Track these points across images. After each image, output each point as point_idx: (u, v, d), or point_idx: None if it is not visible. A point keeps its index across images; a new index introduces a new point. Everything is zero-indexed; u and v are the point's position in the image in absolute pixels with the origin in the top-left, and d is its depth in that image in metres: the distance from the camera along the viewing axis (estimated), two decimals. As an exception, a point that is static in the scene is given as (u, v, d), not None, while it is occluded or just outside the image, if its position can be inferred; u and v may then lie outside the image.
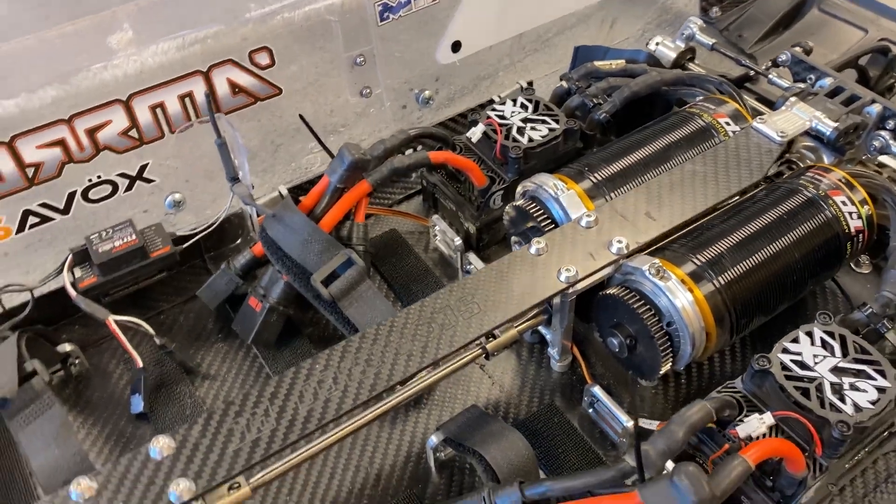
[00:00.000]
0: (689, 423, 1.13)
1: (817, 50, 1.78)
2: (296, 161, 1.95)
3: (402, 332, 1.25)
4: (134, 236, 1.51)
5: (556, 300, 1.35)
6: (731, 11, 2.21)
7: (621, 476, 1.10)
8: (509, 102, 1.70)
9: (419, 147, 1.69)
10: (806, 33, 1.93)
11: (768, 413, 1.17)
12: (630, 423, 1.33)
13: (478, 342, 1.30)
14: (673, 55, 1.91)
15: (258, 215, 1.60)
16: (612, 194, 1.48)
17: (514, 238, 1.57)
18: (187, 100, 1.69)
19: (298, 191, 1.68)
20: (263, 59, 1.74)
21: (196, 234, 1.62)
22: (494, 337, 1.32)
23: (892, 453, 1.33)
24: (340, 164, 1.48)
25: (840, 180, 1.46)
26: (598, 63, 1.80)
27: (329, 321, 1.59)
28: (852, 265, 1.61)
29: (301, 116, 1.59)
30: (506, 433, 1.27)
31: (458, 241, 1.64)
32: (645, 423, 1.33)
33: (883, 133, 1.56)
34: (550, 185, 1.47)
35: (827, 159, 1.59)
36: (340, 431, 1.21)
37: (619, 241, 1.34)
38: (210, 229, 1.62)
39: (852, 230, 1.43)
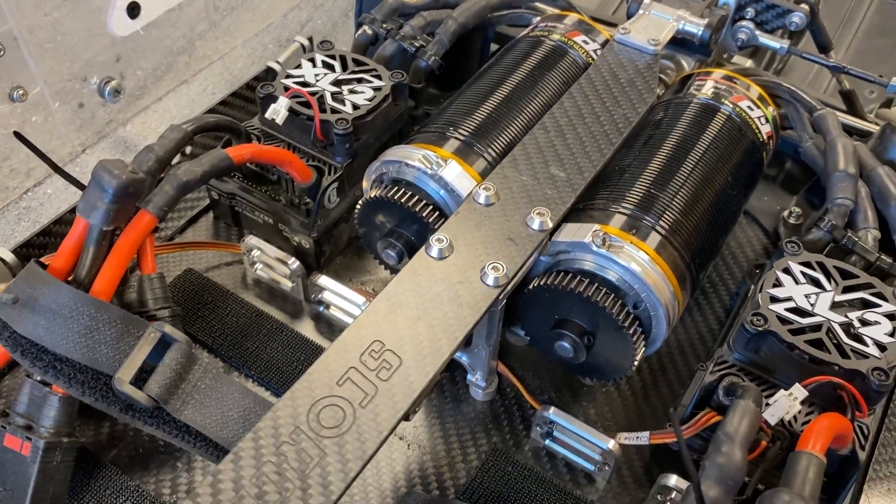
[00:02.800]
0: (743, 435, 0.83)
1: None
2: None
3: (297, 434, 0.79)
4: None
5: (481, 312, 0.97)
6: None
7: (691, 542, 0.77)
8: (306, 64, 1.26)
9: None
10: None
11: (797, 385, 0.91)
12: (611, 444, 1.00)
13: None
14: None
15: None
16: (490, 152, 1.11)
17: (381, 245, 1.13)
18: None
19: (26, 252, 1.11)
20: None
21: None
22: (412, 387, 0.91)
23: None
24: (101, 196, 0.95)
25: (733, 81, 1.24)
26: (401, -4, 1.41)
27: (139, 432, 1.07)
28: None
29: (17, 133, 1.01)
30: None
31: (294, 263, 1.18)
32: (628, 438, 1.01)
33: (745, 24, 1.36)
34: (418, 158, 1.07)
35: (688, 65, 1.37)
36: None
37: (540, 214, 0.99)
38: None
39: (764, 136, 1.21)
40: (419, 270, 0.94)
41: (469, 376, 1.10)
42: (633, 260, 0.96)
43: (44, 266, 0.95)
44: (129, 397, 0.90)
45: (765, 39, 1.37)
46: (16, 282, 0.93)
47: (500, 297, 0.95)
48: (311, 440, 0.79)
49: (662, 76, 1.34)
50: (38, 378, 0.94)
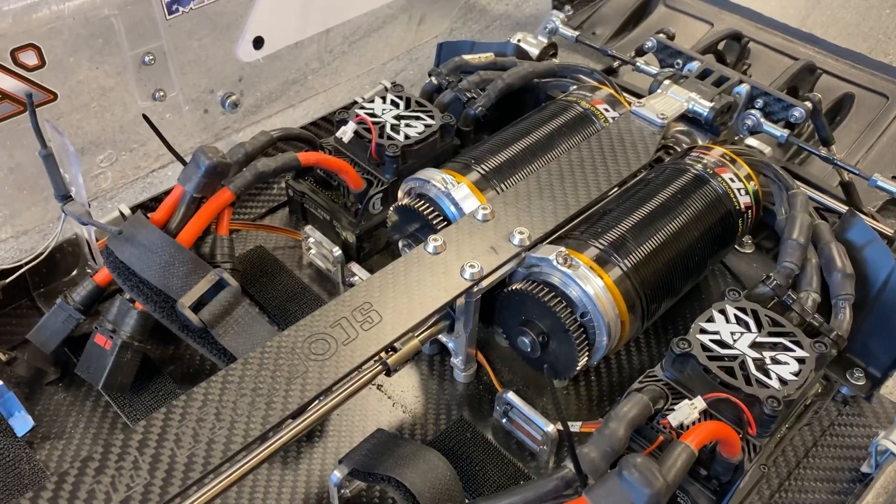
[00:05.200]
0: (629, 418, 1.04)
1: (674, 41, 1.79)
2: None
3: (292, 354, 1.07)
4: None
5: (460, 303, 1.22)
6: (582, 10, 2.21)
7: (564, 485, 0.98)
8: (378, 100, 1.57)
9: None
10: (655, 28, 1.95)
11: (699, 397, 1.10)
12: (551, 428, 1.22)
13: (377, 358, 1.14)
14: (536, 51, 1.87)
15: (97, 239, 1.36)
16: (502, 186, 1.38)
17: (402, 243, 1.42)
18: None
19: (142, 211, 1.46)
20: (30, 58, 1.48)
21: (19, 266, 1.35)
22: (395, 350, 1.17)
23: (805, 427, 1.32)
24: (196, 171, 1.28)
25: (723, 157, 1.45)
26: (466, 57, 1.71)
27: (196, 355, 1.38)
28: (737, 246, 1.60)
29: (145, 116, 1.37)
30: (422, 454, 1.12)
31: (337, 251, 1.47)
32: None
33: (753, 112, 1.58)
34: (438, 179, 1.35)
35: (701, 142, 1.59)
36: (228, 478, 1.01)
37: (521, 233, 1.24)
38: (38, 260, 1.36)
39: (742, 206, 1.41)
40: (415, 259, 1.21)
41: (452, 359, 1.35)
42: (588, 281, 1.19)
43: (147, 217, 1.29)
44: (186, 318, 1.21)
45: (769, 127, 1.57)
46: (125, 223, 1.26)
47: (474, 290, 1.20)
48: (301, 360, 1.06)
49: (676, 146, 1.57)
50: (127, 297, 1.27)
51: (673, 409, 1.10)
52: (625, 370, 1.39)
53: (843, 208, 1.55)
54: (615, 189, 1.39)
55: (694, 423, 1.10)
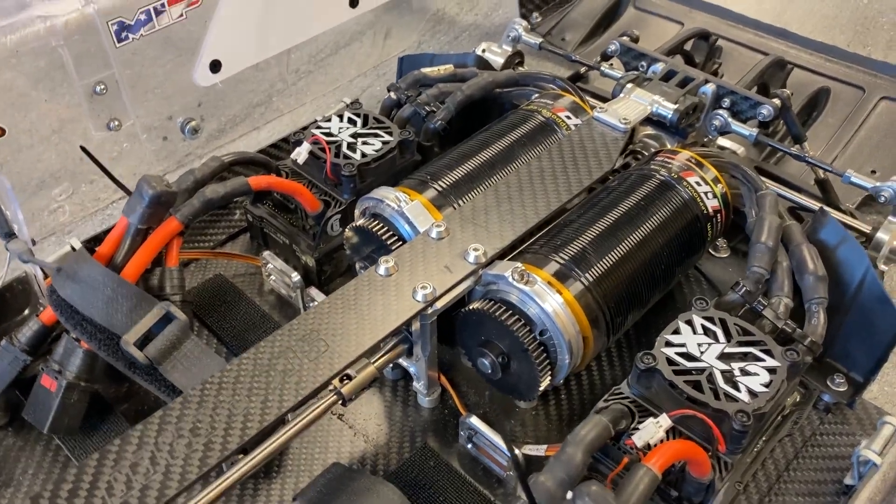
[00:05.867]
0: (586, 442, 0.98)
1: (641, 43, 1.74)
2: (39, 219, 1.64)
3: (234, 388, 1.02)
4: None
5: (416, 325, 1.17)
6: (551, 16, 2.17)
7: (518, 516, 0.93)
8: (335, 119, 1.53)
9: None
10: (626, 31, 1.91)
11: (664, 415, 1.05)
12: (517, 453, 1.16)
13: (330, 387, 1.09)
14: (501, 60, 1.83)
15: (45, 276, 1.32)
16: (460, 201, 1.33)
17: (359, 265, 1.38)
18: None
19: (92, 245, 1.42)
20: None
21: (-33, 308, 1.31)
22: (350, 378, 1.12)
23: (786, 439, 1.26)
24: (140, 201, 1.24)
25: (689, 160, 1.40)
26: (425, 70, 1.67)
27: (149, 393, 1.33)
28: (711, 250, 1.55)
29: (83, 148, 1.33)
30: (376, 488, 1.06)
31: (295, 277, 1.43)
32: (531, 450, 1.17)
33: (721, 112, 1.53)
34: (391, 198, 1.30)
35: (669, 145, 1.54)
36: (169, 524, 0.96)
37: (476, 250, 1.20)
38: (-15, 301, 1.32)
39: (710, 210, 1.36)
40: (366, 283, 1.17)
41: (415, 383, 1.30)
42: (546, 298, 1.14)
43: (92, 251, 1.25)
44: (132, 356, 1.16)
45: (737, 127, 1.52)
46: (67, 259, 1.22)
47: (428, 312, 1.15)
48: (243, 396, 1.02)
49: (644, 151, 1.52)
50: (74, 336, 1.23)
51: (638, 429, 1.05)
52: (596, 386, 1.34)
53: (818, 206, 1.50)
54: (577, 199, 1.35)
55: (660, 442, 1.05)
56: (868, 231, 1.42)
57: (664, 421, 1.05)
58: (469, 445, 1.23)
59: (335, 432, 1.28)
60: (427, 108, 1.58)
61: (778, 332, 1.20)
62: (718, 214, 1.37)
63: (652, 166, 1.41)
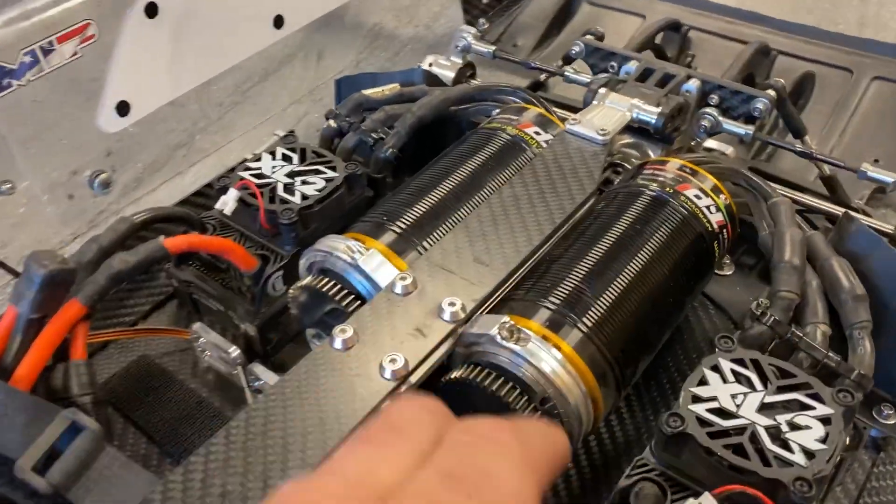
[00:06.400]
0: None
1: (606, 41, 1.56)
2: None
3: (163, 521, 0.78)
4: None
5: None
6: (498, 21, 1.97)
7: None
8: (266, 156, 1.31)
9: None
10: (582, 31, 1.73)
11: (706, 494, 0.85)
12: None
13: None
14: (451, 74, 1.62)
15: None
16: (425, 244, 1.12)
17: (310, 332, 1.15)
18: None
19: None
20: None
21: None
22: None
23: (838, 489, 1.06)
24: (29, 285, 0.99)
25: (682, 170, 1.21)
26: (367, 91, 1.45)
27: None
28: (716, 270, 1.36)
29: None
30: None
31: (234, 351, 1.19)
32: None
33: (709, 110, 1.34)
34: (342, 248, 1.08)
35: (653, 154, 1.35)
36: None
37: (452, 304, 0.98)
38: None
39: (715, 226, 1.17)
40: (320, 361, 0.94)
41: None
42: (542, 357, 0.93)
43: (-28, 354, 1.00)
44: (31, 485, 0.92)
45: (729, 126, 1.34)
46: (-60, 367, 0.97)
47: (401, 392, 0.93)
48: (174, 533, 0.78)
49: (626, 164, 1.32)
50: (-43, 462, 0.97)
51: (676, 511, 0.85)
52: (608, 450, 1.13)
53: (828, 206, 1.33)
54: (562, 229, 1.14)
55: (707, 529, 0.85)
56: (890, 231, 1.25)
57: (707, 501, 0.84)
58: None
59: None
60: (374, 135, 1.37)
61: (819, 367, 1.01)
62: (724, 230, 1.18)
63: (640, 181, 1.21)
